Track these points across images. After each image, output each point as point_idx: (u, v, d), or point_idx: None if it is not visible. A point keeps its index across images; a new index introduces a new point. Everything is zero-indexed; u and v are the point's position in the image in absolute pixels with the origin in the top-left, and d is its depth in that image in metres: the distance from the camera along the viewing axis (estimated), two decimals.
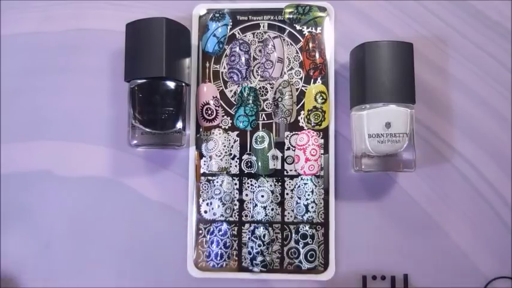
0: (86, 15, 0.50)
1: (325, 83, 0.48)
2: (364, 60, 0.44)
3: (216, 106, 0.48)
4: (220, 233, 0.47)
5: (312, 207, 0.47)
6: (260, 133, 0.48)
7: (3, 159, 0.49)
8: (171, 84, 0.45)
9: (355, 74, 0.46)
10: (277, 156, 0.48)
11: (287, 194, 0.48)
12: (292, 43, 0.49)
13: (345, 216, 0.48)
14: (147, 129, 0.45)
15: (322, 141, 0.48)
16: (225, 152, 0.47)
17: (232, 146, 0.48)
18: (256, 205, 0.47)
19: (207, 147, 0.48)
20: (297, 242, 0.47)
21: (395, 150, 0.44)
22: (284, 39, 0.49)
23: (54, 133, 0.49)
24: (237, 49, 0.48)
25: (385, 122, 0.44)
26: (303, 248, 0.47)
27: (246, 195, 0.48)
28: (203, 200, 0.47)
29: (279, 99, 0.48)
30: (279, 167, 0.48)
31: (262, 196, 0.47)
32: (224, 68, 0.48)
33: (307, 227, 0.47)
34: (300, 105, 0.48)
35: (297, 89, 0.48)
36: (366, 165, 0.45)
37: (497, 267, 0.47)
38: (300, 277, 0.47)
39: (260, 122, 0.48)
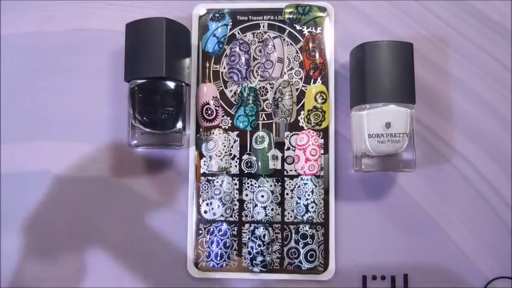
0: (86, 15, 0.50)
1: (325, 83, 0.48)
2: (364, 60, 0.44)
3: (216, 106, 0.48)
4: (220, 233, 0.47)
5: (312, 207, 0.47)
6: (260, 133, 0.48)
7: (3, 159, 0.49)
8: (171, 84, 0.45)
9: (355, 74, 0.46)
10: (277, 156, 0.48)
11: (287, 194, 0.48)
12: (292, 43, 0.49)
13: (345, 216, 0.48)
14: (147, 129, 0.45)
15: (322, 141, 0.48)
16: (225, 152, 0.47)
17: (232, 146, 0.48)
18: (256, 205, 0.47)
19: (207, 147, 0.48)
20: (297, 242, 0.47)
21: (395, 150, 0.44)
22: (284, 39, 0.49)
23: (54, 133, 0.49)
24: (237, 49, 0.48)
25: (385, 122, 0.44)
26: (303, 248, 0.47)
27: (246, 195, 0.48)
28: (203, 200, 0.47)
29: (279, 99, 0.48)
30: (279, 167, 0.48)
31: (262, 196, 0.47)
32: (224, 68, 0.48)
33: (307, 227, 0.47)
34: (300, 105, 0.48)
35: (297, 89, 0.48)
36: (366, 165, 0.45)
37: (497, 267, 0.47)
38: (300, 277, 0.47)
39: (260, 122, 0.48)
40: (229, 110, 0.48)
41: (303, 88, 0.48)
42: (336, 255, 0.47)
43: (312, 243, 0.47)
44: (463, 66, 0.49)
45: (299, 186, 0.47)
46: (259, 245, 0.47)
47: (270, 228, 0.47)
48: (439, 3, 0.50)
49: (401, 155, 0.45)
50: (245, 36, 0.49)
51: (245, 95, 0.48)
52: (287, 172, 0.48)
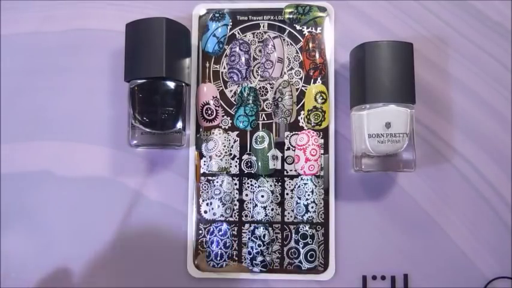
0: (86, 15, 0.50)
1: (325, 83, 0.48)
2: (364, 60, 0.44)
3: (216, 106, 0.48)
4: (220, 233, 0.47)
5: (312, 207, 0.47)
6: (260, 133, 0.48)
7: (3, 159, 0.49)
8: (171, 84, 0.45)
9: (355, 74, 0.46)
10: (277, 156, 0.48)
11: (287, 194, 0.48)
12: (292, 43, 0.49)
13: (345, 216, 0.48)
14: (147, 129, 0.45)
15: (322, 141, 0.48)
16: (225, 152, 0.47)
17: (232, 146, 0.48)
18: (256, 205, 0.47)
19: (207, 147, 0.48)
20: (297, 242, 0.47)
21: (395, 150, 0.44)
22: (284, 39, 0.49)
23: (54, 133, 0.49)
24: (237, 49, 0.48)
25: (385, 122, 0.44)
26: (303, 248, 0.47)
27: (246, 195, 0.48)
28: (203, 200, 0.47)
29: (279, 99, 0.48)
30: (279, 167, 0.48)
31: (262, 196, 0.47)
32: (224, 68, 0.48)
33: (307, 227, 0.47)
34: (300, 105, 0.48)
35: (297, 89, 0.48)
36: (366, 165, 0.45)
37: (497, 267, 0.47)
38: (300, 277, 0.47)
39: (260, 122, 0.48)
40: (229, 110, 0.48)
41: (303, 88, 0.48)
42: (336, 255, 0.47)
43: (312, 243, 0.47)
44: (463, 66, 0.49)
45: (299, 186, 0.47)
46: (259, 245, 0.47)
47: (270, 228, 0.47)
48: (439, 3, 0.50)
49: (401, 155, 0.45)
50: (245, 36, 0.49)
51: (245, 95, 0.48)
52: (287, 172, 0.48)
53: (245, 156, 0.48)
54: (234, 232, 0.47)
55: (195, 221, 0.48)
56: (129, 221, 0.48)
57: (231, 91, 0.48)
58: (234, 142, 0.48)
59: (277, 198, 0.47)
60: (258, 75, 0.48)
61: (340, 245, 0.48)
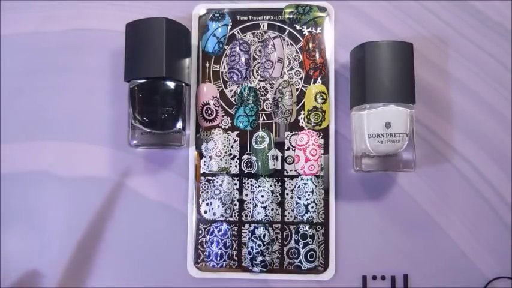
0: (86, 15, 0.50)
1: (325, 83, 0.48)
2: (364, 60, 0.44)
3: (216, 106, 0.48)
4: (220, 233, 0.47)
5: (312, 207, 0.47)
6: (260, 133, 0.48)
7: (3, 159, 0.49)
8: (171, 84, 0.45)
9: (355, 74, 0.46)
10: (277, 156, 0.48)
11: (287, 194, 0.48)
12: (292, 43, 0.49)
13: (345, 216, 0.48)
14: (147, 129, 0.45)
15: (322, 141, 0.48)
16: (225, 152, 0.47)
17: (232, 146, 0.48)
18: (256, 205, 0.47)
19: (207, 147, 0.48)
20: (297, 242, 0.47)
21: (395, 150, 0.44)
22: (284, 39, 0.49)
23: (54, 133, 0.49)
24: (237, 49, 0.48)
25: (385, 122, 0.44)
26: (303, 248, 0.47)
27: (246, 195, 0.48)
28: (203, 200, 0.47)
29: (279, 99, 0.48)
30: (279, 167, 0.48)
31: (262, 196, 0.47)
32: (224, 68, 0.48)
33: (307, 227, 0.47)
34: (300, 105, 0.48)
35: (297, 89, 0.48)
36: (366, 165, 0.45)
37: (497, 267, 0.47)
38: (300, 277, 0.47)
39: (260, 122, 0.48)
40: (229, 110, 0.48)
41: (303, 88, 0.48)
42: (336, 255, 0.47)
43: (312, 243, 0.47)
44: (463, 66, 0.49)
45: (299, 186, 0.47)
46: (259, 245, 0.47)
47: (270, 228, 0.47)
48: (439, 3, 0.50)
49: (401, 155, 0.45)
50: (245, 36, 0.49)
51: (245, 95, 0.48)
52: (287, 172, 0.48)
53: (245, 156, 0.48)
54: (234, 232, 0.47)
55: (195, 221, 0.48)
56: (129, 221, 0.48)
57: (231, 91, 0.48)
58: (234, 142, 0.48)
59: (277, 198, 0.47)
60: (258, 75, 0.48)
61: (340, 245, 0.48)
